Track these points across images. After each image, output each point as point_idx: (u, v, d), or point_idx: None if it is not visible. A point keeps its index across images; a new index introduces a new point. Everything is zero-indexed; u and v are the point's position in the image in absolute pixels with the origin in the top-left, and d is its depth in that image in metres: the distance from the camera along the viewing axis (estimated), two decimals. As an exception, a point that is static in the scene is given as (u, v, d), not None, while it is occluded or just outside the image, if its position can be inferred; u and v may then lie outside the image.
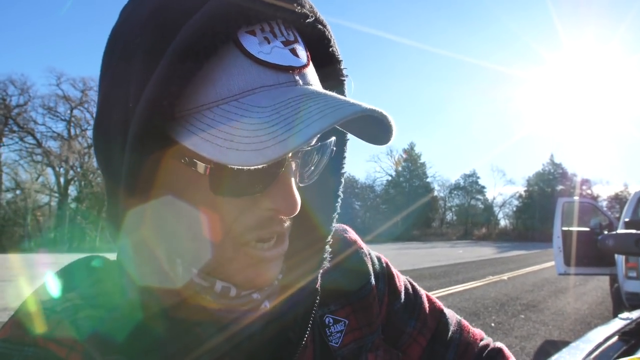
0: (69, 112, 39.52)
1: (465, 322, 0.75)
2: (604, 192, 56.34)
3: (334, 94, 0.41)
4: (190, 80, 0.38)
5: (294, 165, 0.44)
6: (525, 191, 57.87)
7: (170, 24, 0.39)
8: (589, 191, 53.89)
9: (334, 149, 0.50)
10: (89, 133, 38.60)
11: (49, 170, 39.25)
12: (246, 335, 0.48)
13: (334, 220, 0.54)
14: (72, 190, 40.75)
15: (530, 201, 56.15)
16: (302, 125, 0.36)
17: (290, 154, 0.43)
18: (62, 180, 39.73)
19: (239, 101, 0.39)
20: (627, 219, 6.41)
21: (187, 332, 0.46)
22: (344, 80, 0.50)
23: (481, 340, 0.75)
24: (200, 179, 0.41)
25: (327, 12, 0.47)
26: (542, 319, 7.11)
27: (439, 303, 0.74)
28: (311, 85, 0.43)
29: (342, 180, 0.55)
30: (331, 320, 0.59)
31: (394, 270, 0.70)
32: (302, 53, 0.43)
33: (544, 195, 53.31)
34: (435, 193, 58.19)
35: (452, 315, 0.74)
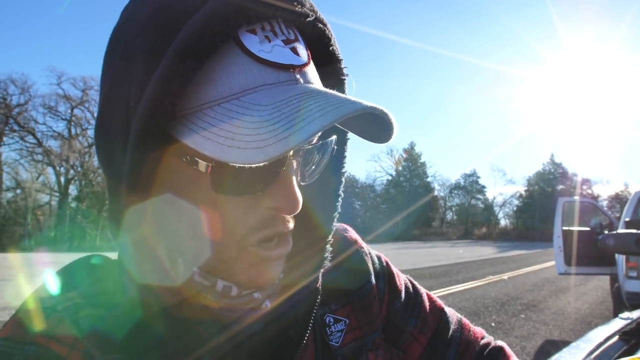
0: (69, 111, 39.59)
1: (466, 321, 0.75)
2: (604, 191, 56.47)
3: (334, 92, 0.41)
4: (191, 79, 0.38)
5: (295, 164, 0.44)
6: (525, 191, 57.90)
7: (170, 24, 0.39)
8: (589, 191, 53.91)
9: (335, 147, 0.50)
10: (90, 132, 38.67)
11: (50, 169, 39.36)
12: (247, 335, 0.48)
13: (335, 219, 0.54)
14: (73, 190, 40.89)
15: (530, 201, 56.15)
16: (303, 123, 0.36)
17: (291, 153, 0.43)
18: (62, 179, 39.84)
19: (240, 99, 0.39)
20: (627, 219, 6.41)
21: (188, 331, 0.46)
22: (344, 79, 0.50)
23: (482, 338, 0.75)
24: (202, 178, 0.41)
25: (327, 12, 0.47)
26: (542, 319, 7.11)
27: (440, 302, 0.74)
28: (312, 83, 0.43)
29: (343, 179, 0.55)
30: (332, 320, 0.60)
31: (394, 269, 0.70)
32: (303, 52, 0.43)
33: (545, 195, 53.29)
34: (436, 193, 58.25)
35: (452, 314, 0.74)
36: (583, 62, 62.33)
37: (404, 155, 57.25)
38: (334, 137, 0.49)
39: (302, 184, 0.47)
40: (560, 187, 54.39)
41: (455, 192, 59.67)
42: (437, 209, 58.73)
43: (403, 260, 17.19)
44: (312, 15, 0.44)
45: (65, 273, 0.49)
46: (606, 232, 6.16)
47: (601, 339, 1.43)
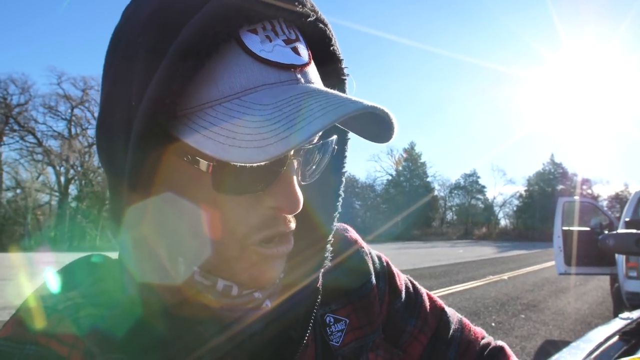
0: (69, 111, 39.55)
1: (466, 321, 0.75)
2: (604, 191, 56.50)
3: (335, 91, 0.41)
4: (192, 79, 0.38)
5: (295, 164, 0.44)
6: (525, 191, 57.89)
7: (172, 24, 0.39)
8: (589, 191, 53.91)
9: (336, 147, 0.50)
10: (90, 132, 38.69)
11: (50, 169, 39.37)
12: (248, 334, 0.48)
13: (335, 219, 0.54)
14: (73, 189, 40.90)
15: (530, 201, 56.15)
16: (304, 123, 0.36)
17: (292, 152, 0.43)
18: (62, 179, 39.85)
19: (241, 99, 0.39)
20: (627, 219, 6.41)
21: (189, 330, 0.46)
22: (345, 79, 0.50)
23: (482, 338, 0.75)
24: (203, 177, 0.41)
25: (327, 12, 0.47)
26: (542, 319, 7.11)
27: (440, 302, 0.74)
28: (313, 83, 0.43)
29: (344, 179, 0.55)
30: (332, 320, 0.60)
31: (395, 269, 0.70)
32: (304, 51, 0.43)
33: (545, 195, 53.29)
34: (436, 193, 58.25)
35: (453, 314, 0.74)
36: (583, 62, 62.44)
37: (404, 155, 57.31)
38: (335, 136, 0.49)
39: (302, 183, 0.47)
40: (560, 187, 54.39)
41: (455, 192, 59.75)
42: (437, 209, 58.73)
43: (403, 260, 17.19)
44: (313, 16, 0.44)
45: (66, 272, 0.49)
46: (606, 232, 6.16)
47: (601, 339, 1.42)
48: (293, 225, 0.47)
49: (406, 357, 0.66)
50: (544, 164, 58.48)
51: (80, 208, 39.46)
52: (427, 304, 0.71)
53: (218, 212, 0.42)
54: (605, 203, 50.68)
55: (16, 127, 37.69)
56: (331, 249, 0.54)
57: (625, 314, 1.70)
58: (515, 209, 58.65)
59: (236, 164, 0.39)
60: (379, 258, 0.69)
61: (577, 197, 8.47)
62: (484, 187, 58.52)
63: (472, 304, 8.15)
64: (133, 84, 0.40)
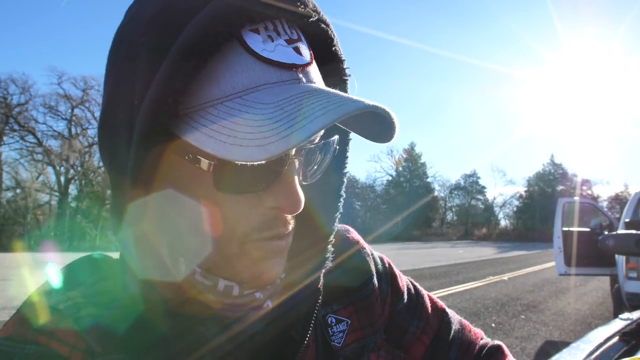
0: (69, 111, 39.61)
1: (466, 322, 0.76)
2: (604, 192, 56.41)
3: (337, 91, 0.41)
4: (194, 78, 0.38)
5: (297, 163, 0.44)
6: (525, 191, 57.88)
7: (174, 24, 0.40)
8: (589, 191, 53.91)
9: (337, 147, 0.50)
10: (90, 132, 38.71)
11: (50, 169, 39.36)
12: (249, 334, 0.48)
13: (337, 219, 0.54)
14: (73, 189, 40.88)
15: (530, 201, 56.14)
16: (305, 122, 0.36)
17: (293, 152, 0.43)
18: (62, 179, 39.84)
19: (243, 98, 0.39)
20: (627, 220, 6.41)
21: (190, 330, 0.46)
22: (347, 79, 0.50)
23: (481, 339, 0.75)
24: (204, 176, 0.41)
25: (327, 12, 0.47)
26: (542, 320, 7.10)
27: (441, 303, 0.74)
28: (314, 83, 0.43)
29: (345, 179, 0.55)
30: (334, 320, 0.60)
31: (397, 271, 0.70)
32: (306, 51, 0.43)
33: (545, 196, 53.28)
34: (436, 193, 58.25)
35: (453, 315, 0.74)
36: (583, 63, 62.41)
37: (404, 156, 57.29)
38: (336, 137, 0.49)
39: (303, 183, 0.47)
40: (560, 187, 54.38)
41: (456, 192, 59.73)
42: (437, 210, 58.74)
43: (403, 261, 17.18)
44: (315, 16, 0.44)
45: (67, 272, 0.49)
46: (606, 232, 6.16)
47: (601, 340, 1.42)
48: (292, 226, 0.47)
49: (409, 358, 0.66)
50: (544, 165, 58.55)
51: (80, 208, 39.46)
52: (429, 305, 0.71)
53: (219, 210, 0.43)
54: (605, 204, 50.71)
55: (16, 126, 37.73)
56: (332, 249, 0.54)
57: (625, 315, 1.70)
58: (515, 209, 58.70)
59: (237, 162, 0.39)
60: (381, 259, 0.69)
61: (577, 198, 8.45)
62: (484, 187, 58.55)
63: (472, 305, 8.15)
64: (135, 84, 0.40)
